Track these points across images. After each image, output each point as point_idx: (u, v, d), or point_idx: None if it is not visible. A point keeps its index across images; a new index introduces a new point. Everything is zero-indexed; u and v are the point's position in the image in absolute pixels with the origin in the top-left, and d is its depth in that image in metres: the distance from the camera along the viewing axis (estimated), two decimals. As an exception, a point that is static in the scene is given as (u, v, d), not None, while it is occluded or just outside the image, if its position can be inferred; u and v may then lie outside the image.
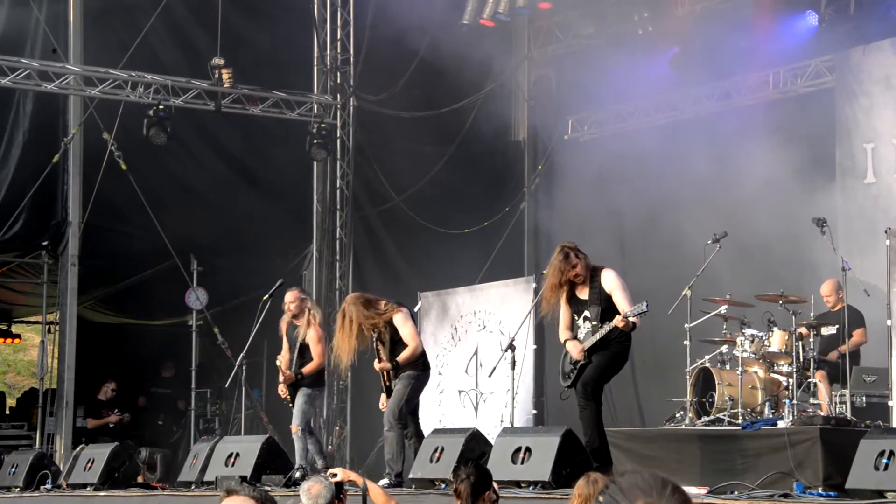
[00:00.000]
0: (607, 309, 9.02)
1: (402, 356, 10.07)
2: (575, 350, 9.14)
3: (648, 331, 9.71)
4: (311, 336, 10.87)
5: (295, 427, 10.80)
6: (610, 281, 9.11)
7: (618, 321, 8.86)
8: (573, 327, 9.25)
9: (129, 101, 14.64)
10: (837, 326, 10.97)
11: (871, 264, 11.61)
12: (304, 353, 10.91)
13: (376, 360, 10.16)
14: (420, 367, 10.18)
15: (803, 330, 10.50)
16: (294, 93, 15.92)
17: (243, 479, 10.01)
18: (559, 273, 9.11)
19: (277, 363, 11.06)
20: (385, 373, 10.20)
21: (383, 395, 10.29)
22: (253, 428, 11.97)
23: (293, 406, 10.87)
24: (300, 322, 10.93)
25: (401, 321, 10.13)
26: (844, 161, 13.27)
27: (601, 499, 2.07)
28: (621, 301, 8.99)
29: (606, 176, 15.27)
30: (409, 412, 10.18)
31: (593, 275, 9.17)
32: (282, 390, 11.00)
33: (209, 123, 15.60)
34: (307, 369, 10.83)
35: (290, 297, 11.03)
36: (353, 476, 6.51)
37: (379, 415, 10.40)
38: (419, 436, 10.18)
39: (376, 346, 10.14)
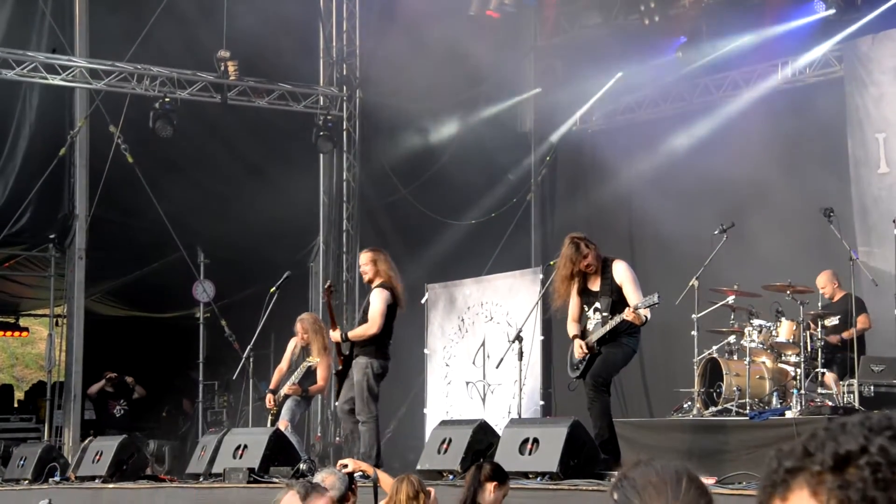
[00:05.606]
0: (618, 301, 8.99)
1: (354, 332, 10.10)
2: (578, 350, 9.12)
3: (656, 321, 9.67)
4: (323, 365, 11.09)
5: (284, 423, 10.96)
6: (621, 273, 9.07)
7: (627, 313, 8.83)
8: (582, 319, 9.22)
9: (135, 94, 14.64)
10: (839, 317, 10.94)
11: (888, 253, 11.54)
12: (310, 374, 11.14)
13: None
14: (375, 353, 10.14)
15: (811, 320, 10.48)
16: (300, 85, 15.90)
17: (251, 470, 10.03)
18: (571, 264, 9.07)
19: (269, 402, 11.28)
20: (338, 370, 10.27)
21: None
22: (260, 420, 12.01)
23: (273, 416, 11.14)
24: (313, 348, 11.06)
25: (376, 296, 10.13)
26: (857, 151, 13.17)
27: (615, 495, 1.99)
28: (631, 293, 8.95)
29: (613, 167, 15.24)
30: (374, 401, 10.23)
31: (605, 266, 9.13)
32: (269, 400, 11.19)
33: (215, 115, 15.58)
34: (312, 389, 11.22)
35: (300, 327, 11.22)
36: (364, 466, 6.53)
37: (385, 406, 10.40)
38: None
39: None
